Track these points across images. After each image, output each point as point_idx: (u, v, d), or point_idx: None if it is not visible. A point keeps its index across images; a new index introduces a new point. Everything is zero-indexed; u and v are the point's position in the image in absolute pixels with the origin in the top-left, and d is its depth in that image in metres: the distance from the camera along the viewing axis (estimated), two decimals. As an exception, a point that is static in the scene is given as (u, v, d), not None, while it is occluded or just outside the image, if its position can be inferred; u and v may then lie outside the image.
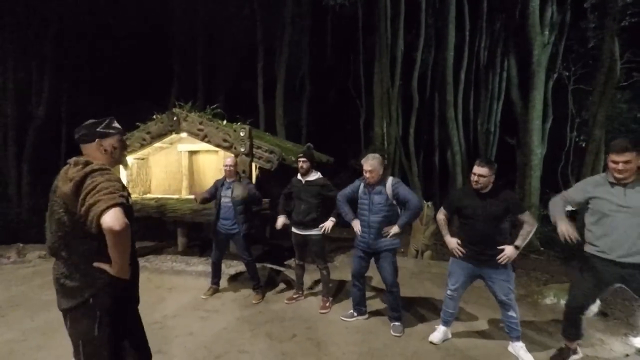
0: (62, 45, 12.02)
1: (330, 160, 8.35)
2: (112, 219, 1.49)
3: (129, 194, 1.74)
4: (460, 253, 3.08)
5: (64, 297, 1.69)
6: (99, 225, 1.50)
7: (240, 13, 14.55)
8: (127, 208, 1.63)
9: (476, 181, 2.94)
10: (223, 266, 4.74)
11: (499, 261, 2.89)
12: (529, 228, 2.89)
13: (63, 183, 1.62)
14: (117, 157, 1.84)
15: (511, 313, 2.99)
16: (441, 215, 3.29)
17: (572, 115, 12.04)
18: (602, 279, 2.66)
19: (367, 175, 3.37)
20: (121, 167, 5.96)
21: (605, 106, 7.45)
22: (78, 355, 1.69)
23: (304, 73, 15.41)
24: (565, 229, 2.73)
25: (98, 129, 1.76)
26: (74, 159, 1.70)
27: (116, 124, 1.84)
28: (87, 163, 1.64)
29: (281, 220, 4.15)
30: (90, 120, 1.79)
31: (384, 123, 11.36)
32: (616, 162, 2.52)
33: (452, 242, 3.14)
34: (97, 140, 1.75)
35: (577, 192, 2.83)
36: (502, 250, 2.89)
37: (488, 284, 3.06)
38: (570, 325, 2.85)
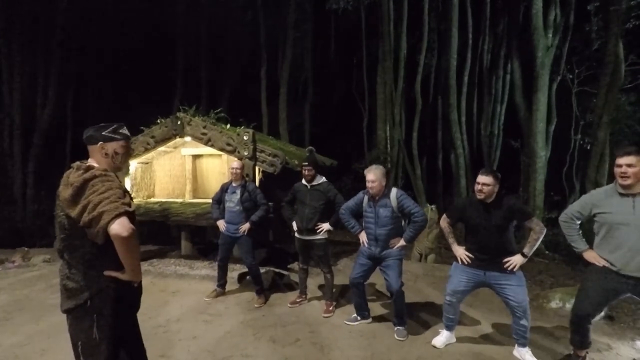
0: (67, 51, 12.14)
1: (334, 163, 8.35)
2: (119, 226, 1.52)
3: (131, 199, 1.77)
4: (467, 261, 3.04)
5: (65, 299, 1.72)
6: (105, 235, 1.54)
7: (243, 17, 14.63)
8: (130, 214, 1.65)
9: (480, 190, 2.90)
10: (226, 270, 4.74)
11: (506, 267, 2.86)
12: (535, 235, 2.85)
13: (64, 187, 1.64)
14: (119, 163, 1.84)
15: (523, 321, 2.92)
16: (444, 222, 3.26)
17: (576, 118, 11.99)
18: (612, 290, 2.60)
19: (370, 185, 3.33)
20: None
21: (610, 108, 7.41)
22: (78, 357, 1.71)
23: (307, 77, 15.46)
24: (592, 257, 2.71)
25: (103, 133, 1.78)
26: (76, 163, 1.72)
27: (124, 131, 1.85)
28: (88, 168, 1.67)
29: (296, 224, 4.12)
30: (102, 124, 1.81)
31: (387, 126, 11.36)
32: (619, 165, 2.51)
33: (459, 250, 3.10)
34: (100, 143, 1.77)
35: (583, 206, 2.77)
36: (508, 260, 2.87)
37: (498, 291, 2.99)
38: (577, 333, 2.80)
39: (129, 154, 1.91)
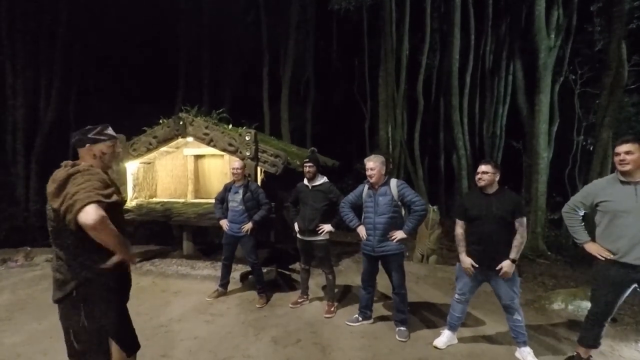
0: (70, 51, 12.18)
1: (336, 164, 8.35)
2: (85, 215, 1.59)
3: (118, 190, 1.86)
4: (472, 272, 3.06)
5: (55, 289, 1.82)
6: (76, 223, 1.61)
7: (245, 18, 14.65)
8: (113, 204, 1.73)
9: (480, 178, 2.97)
10: (228, 270, 4.74)
11: (500, 275, 2.91)
12: (521, 239, 2.90)
13: (50, 182, 1.73)
14: (107, 162, 1.95)
15: (516, 317, 2.99)
16: (459, 229, 3.19)
17: (579, 119, 11.96)
18: (620, 283, 2.63)
19: (369, 173, 3.39)
20: (128, 171, 6.06)
21: (613, 109, 7.37)
22: (70, 344, 1.80)
23: (309, 77, 15.46)
24: (594, 249, 2.73)
25: (89, 135, 1.89)
26: (66, 162, 1.82)
27: (109, 131, 1.95)
28: (73, 165, 1.77)
29: (297, 225, 4.13)
30: (87, 127, 1.92)
31: (389, 127, 11.34)
32: (618, 154, 2.56)
33: (467, 261, 3.08)
34: (87, 145, 1.88)
35: (585, 196, 2.80)
36: (507, 253, 2.90)
37: (493, 287, 3.06)
38: (591, 332, 2.82)
39: (115, 153, 2.00)
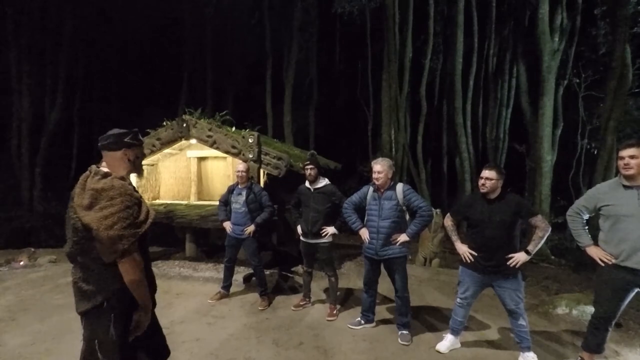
0: (75, 54, 12.27)
1: (338, 166, 8.35)
2: (126, 271, 1.66)
3: (145, 204, 1.82)
4: (470, 258, 3.03)
5: (80, 300, 1.74)
6: (117, 257, 1.64)
7: (249, 21, 14.73)
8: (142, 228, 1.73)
9: (483, 184, 2.93)
10: (230, 272, 4.74)
11: (509, 264, 2.85)
12: (541, 233, 2.84)
13: (80, 192, 1.68)
14: (137, 167, 1.92)
15: (521, 322, 2.95)
16: (448, 221, 3.27)
17: (582, 122, 11.90)
18: (623, 288, 2.62)
19: (376, 175, 3.37)
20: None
21: (617, 113, 7.34)
22: (94, 355, 1.72)
23: (312, 80, 15.49)
24: (595, 253, 2.73)
25: (126, 139, 1.83)
26: (93, 167, 1.75)
27: (140, 137, 1.94)
28: (106, 175, 1.71)
29: (300, 228, 4.13)
30: (117, 130, 1.86)
31: (392, 130, 11.33)
32: (622, 158, 2.56)
33: (463, 247, 3.10)
34: (123, 149, 1.82)
35: (588, 200, 2.80)
36: (512, 257, 2.87)
37: (497, 292, 3.02)
38: (595, 337, 2.80)
39: (143, 158, 1.98)
